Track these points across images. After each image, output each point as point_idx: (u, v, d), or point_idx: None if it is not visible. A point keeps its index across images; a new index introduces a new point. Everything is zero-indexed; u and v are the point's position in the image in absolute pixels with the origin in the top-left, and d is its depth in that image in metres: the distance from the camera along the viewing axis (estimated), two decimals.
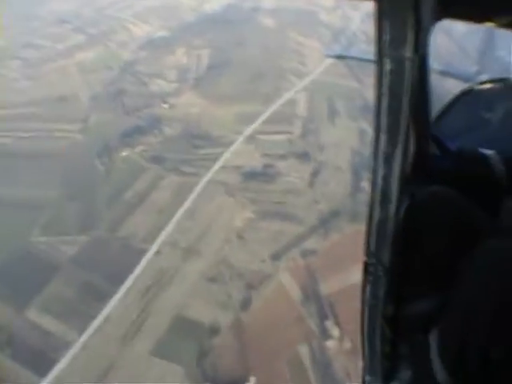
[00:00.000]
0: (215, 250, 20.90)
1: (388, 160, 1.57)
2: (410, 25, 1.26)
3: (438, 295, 2.17)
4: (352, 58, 18.00)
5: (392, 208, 1.72)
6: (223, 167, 24.49)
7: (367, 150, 23.95)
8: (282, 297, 18.98)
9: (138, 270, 20.11)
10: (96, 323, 18.36)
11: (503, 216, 2.32)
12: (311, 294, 18.91)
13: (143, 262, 20.48)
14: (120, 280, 19.63)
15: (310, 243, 20.69)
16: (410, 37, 1.28)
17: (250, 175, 23.98)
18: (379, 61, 1.36)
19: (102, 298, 19.14)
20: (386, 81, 1.38)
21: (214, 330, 18.13)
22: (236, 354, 17.37)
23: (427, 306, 2.24)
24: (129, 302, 19.02)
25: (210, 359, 17.27)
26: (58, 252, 21.20)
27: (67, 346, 17.66)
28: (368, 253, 1.90)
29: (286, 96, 28.21)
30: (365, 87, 26.93)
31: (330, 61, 30.23)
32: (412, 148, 2.26)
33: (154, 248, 21.04)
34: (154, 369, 16.97)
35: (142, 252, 20.87)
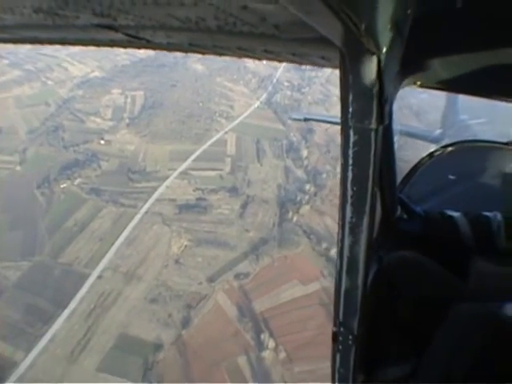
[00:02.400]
0: (155, 274, 22.21)
1: (354, 230, 1.49)
2: (374, 96, 1.21)
3: (410, 361, 2.11)
4: (317, 120, 18.56)
5: (359, 277, 1.61)
6: (159, 200, 25.95)
7: (291, 186, 27.05)
8: (219, 315, 20.56)
9: (81, 293, 20.93)
10: (42, 343, 18.92)
11: (472, 277, 2.28)
12: (246, 312, 20.66)
13: (86, 285, 21.33)
14: (64, 302, 20.36)
15: (243, 267, 22.58)
16: (375, 109, 1.23)
17: (185, 207, 25.57)
18: (344, 132, 1.30)
19: (48, 319, 19.71)
20: (350, 152, 1.32)
21: (158, 347, 19.33)
22: (179, 367, 18.62)
23: (399, 372, 2.17)
24: (74, 323, 19.76)
25: (155, 373, 18.41)
26: (0, 277, 21.50)
27: (14, 365, 18.06)
28: (336, 322, 1.77)
29: (216, 136, 30.12)
30: (289, 130, 29.74)
31: (256, 105, 32.70)
32: (378, 215, 2.24)
33: (96, 273, 21.98)
34: None
35: (84, 276, 21.72)
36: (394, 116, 1.92)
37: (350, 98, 1.24)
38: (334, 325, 1.79)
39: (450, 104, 9.32)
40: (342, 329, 1.77)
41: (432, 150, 3.76)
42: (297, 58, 1.71)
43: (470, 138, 4.02)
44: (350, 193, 1.42)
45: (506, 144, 3.59)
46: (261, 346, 19.44)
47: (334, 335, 1.81)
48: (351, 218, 1.47)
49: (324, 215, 24.96)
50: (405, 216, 2.63)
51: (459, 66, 1.87)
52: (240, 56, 1.98)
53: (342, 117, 1.28)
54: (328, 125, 24.52)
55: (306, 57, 1.66)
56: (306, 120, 21.87)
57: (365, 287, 1.67)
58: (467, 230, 2.47)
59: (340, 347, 1.83)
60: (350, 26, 0.92)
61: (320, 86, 33.51)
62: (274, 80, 34.64)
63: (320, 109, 31.37)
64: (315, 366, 17.28)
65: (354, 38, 1.03)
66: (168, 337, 19.68)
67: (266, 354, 19.18)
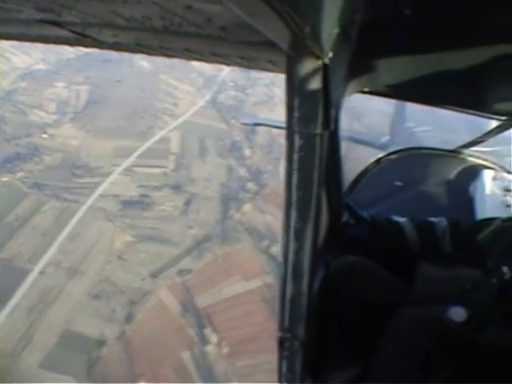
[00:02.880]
0: (98, 269, 22.25)
1: (299, 235, 1.44)
2: (320, 101, 1.18)
3: (358, 364, 2.11)
4: (267, 125, 18.58)
5: (304, 283, 1.54)
6: (102, 195, 25.81)
7: (234, 184, 27.49)
8: (162, 310, 20.86)
9: (23, 289, 20.75)
10: None
11: (418, 282, 2.27)
12: (189, 307, 21.07)
13: (28, 281, 21.15)
14: (5, 298, 20.13)
15: (186, 263, 22.95)
16: (320, 114, 1.20)
17: (128, 203, 25.58)
18: (289, 137, 1.26)
19: None
20: (295, 157, 1.28)
21: (101, 342, 19.49)
22: (123, 363, 18.85)
23: (347, 375, 2.18)
24: (16, 319, 19.58)
25: (99, 369, 18.58)
26: None
27: None
28: (282, 328, 1.72)
29: (160, 134, 30.07)
30: (233, 129, 30.13)
31: (201, 104, 32.79)
32: (324, 220, 2.20)
33: (38, 268, 21.78)
34: (44, 381, 17.76)
35: (26, 272, 21.49)
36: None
37: (296, 102, 1.22)
38: (280, 330, 1.77)
39: (397, 111, 9.38)
40: (288, 334, 1.75)
41: (379, 156, 3.82)
42: (245, 62, 1.67)
43: (416, 145, 4.08)
44: (294, 198, 1.40)
45: (451, 151, 3.71)
46: (204, 341, 19.86)
47: (280, 341, 1.79)
48: (296, 223, 1.45)
49: (265, 213, 25.38)
50: (352, 221, 2.65)
51: (405, 71, 1.84)
52: (188, 58, 1.98)
53: (287, 121, 1.27)
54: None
55: (254, 61, 1.62)
56: (255, 125, 21.83)
57: (311, 293, 1.65)
58: (413, 235, 2.49)
59: (286, 353, 1.81)
60: (295, 28, 0.91)
61: (264, 88, 33.92)
62: (219, 80, 34.76)
63: (263, 109, 31.68)
64: (257, 361, 17.95)
65: (299, 41, 1.02)
66: (112, 333, 19.81)
67: (210, 348, 19.58)
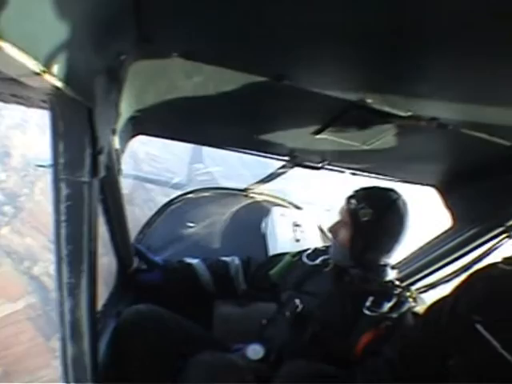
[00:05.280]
0: None
1: (73, 291, 1.35)
2: (86, 148, 1.14)
3: None
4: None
5: (86, 343, 1.45)
6: None
7: None
8: None
9: None
10: None
11: (216, 322, 2.37)
12: None
13: None
14: None
15: None
16: (87, 160, 1.15)
17: None
18: (55, 185, 1.18)
19: None
20: (63, 207, 1.20)
21: None
22: None
23: None
24: None
25: None
26: None
27: None
28: None
29: None
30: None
31: None
32: (114, 269, 2.22)
33: None
34: None
35: None
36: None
37: (60, 147, 1.10)
38: None
39: (195, 151, 9.59)
40: None
41: (171, 197, 3.74)
42: (21, 100, 1.44)
43: (211, 185, 4.04)
44: (64, 252, 1.24)
45: (242, 190, 3.75)
46: None
47: None
48: (69, 278, 1.29)
49: (24, 236, 22.13)
50: (144, 267, 2.54)
51: (174, 115, 1.83)
52: None
53: (52, 168, 1.13)
54: (25, 150, 22.56)
55: (14, 97, 1.39)
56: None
57: (94, 351, 1.49)
58: (207, 276, 2.47)
59: None
60: (37, 69, 0.76)
61: (19, 112, 31.20)
62: None
63: (17, 133, 28.89)
64: (34, 376, 14.64)
65: (52, 84, 0.86)
66: None
67: None
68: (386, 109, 1.32)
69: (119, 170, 1.77)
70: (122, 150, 1.76)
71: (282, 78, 1.27)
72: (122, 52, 1.18)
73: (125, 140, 1.80)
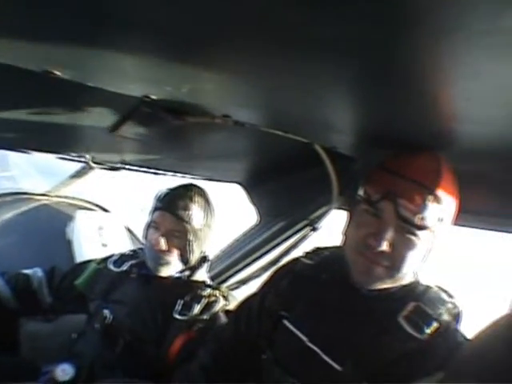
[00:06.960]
0: None
1: None
2: None
3: None
4: None
5: None
6: None
7: None
8: None
9: None
10: None
11: (23, 342, 2.21)
12: None
13: None
14: None
15: None
16: None
17: None
18: None
19: None
20: None
21: None
22: None
23: None
24: None
25: None
26: None
27: None
28: None
29: None
30: None
31: None
32: None
33: None
34: None
35: None
36: None
37: None
38: None
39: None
40: None
41: None
42: None
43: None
44: None
45: (41, 195, 3.24)
46: None
47: None
48: None
49: None
50: None
51: None
52: None
53: None
54: None
55: None
56: None
57: None
58: (7, 292, 2.14)
59: None
60: None
61: None
62: None
63: None
64: None
65: None
66: None
67: None
68: (176, 106, 1.25)
69: None
70: None
71: (50, 73, 1.03)
72: None
73: None
